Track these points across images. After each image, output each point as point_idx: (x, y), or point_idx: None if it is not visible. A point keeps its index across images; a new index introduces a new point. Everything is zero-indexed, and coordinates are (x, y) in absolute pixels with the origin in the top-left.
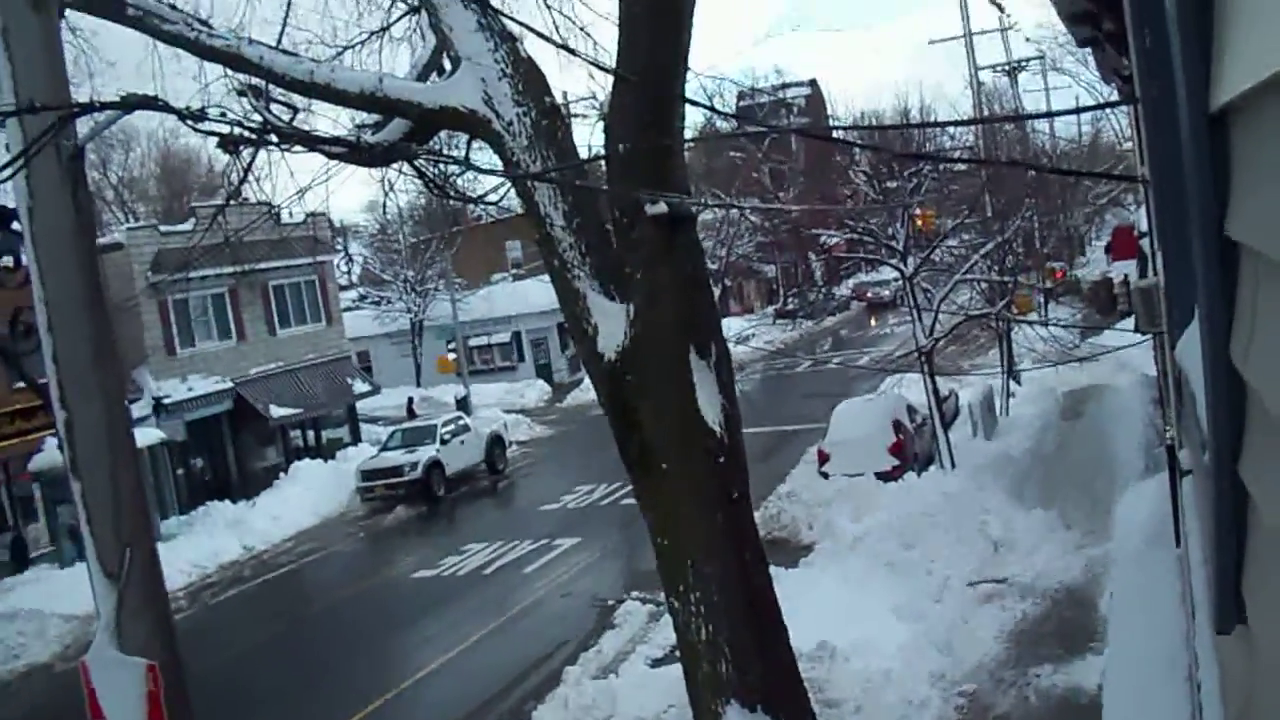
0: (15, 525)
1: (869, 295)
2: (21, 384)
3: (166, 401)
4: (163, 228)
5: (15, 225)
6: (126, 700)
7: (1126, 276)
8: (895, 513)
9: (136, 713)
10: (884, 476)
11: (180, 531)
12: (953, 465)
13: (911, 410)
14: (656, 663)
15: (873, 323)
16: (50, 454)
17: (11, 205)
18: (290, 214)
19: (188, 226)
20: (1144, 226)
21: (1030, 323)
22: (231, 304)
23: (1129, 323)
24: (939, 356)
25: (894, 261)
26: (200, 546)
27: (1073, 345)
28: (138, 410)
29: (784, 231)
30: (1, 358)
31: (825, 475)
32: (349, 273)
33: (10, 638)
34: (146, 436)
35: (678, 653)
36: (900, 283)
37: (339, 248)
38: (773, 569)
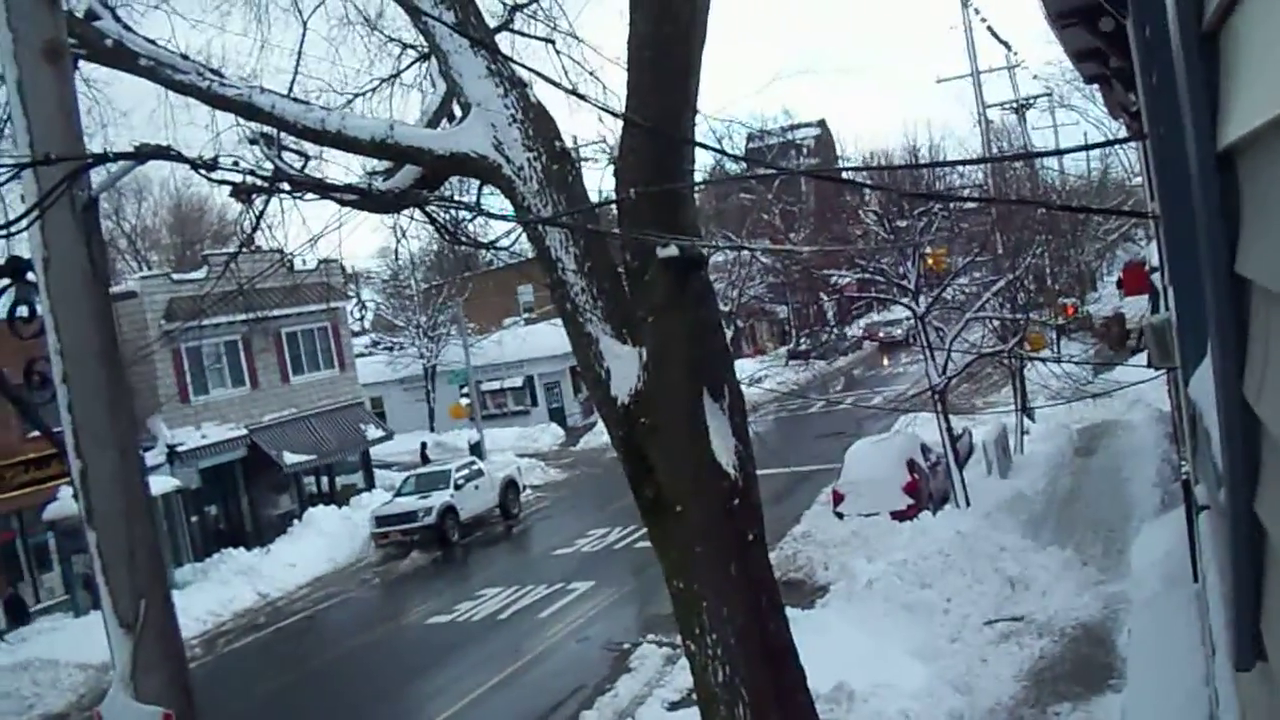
0: (11, 583)
1: (881, 335)
2: (35, 433)
3: (180, 449)
4: (175, 276)
5: (30, 276)
6: None
7: (1143, 315)
8: (911, 552)
9: None
10: (899, 516)
11: (195, 579)
12: (968, 504)
13: (925, 449)
14: (673, 706)
15: (885, 362)
16: (64, 503)
17: (26, 256)
18: (303, 261)
19: (200, 274)
20: (1155, 261)
21: (1043, 359)
22: (244, 351)
23: (1142, 358)
24: (952, 395)
25: (906, 300)
26: (215, 594)
27: (1086, 381)
28: (152, 458)
29: (795, 272)
30: (16, 407)
31: (840, 516)
32: (362, 319)
33: (25, 687)
34: (161, 484)
35: (695, 696)
36: (912, 322)
37: (351, 294)
38: (789, 610)
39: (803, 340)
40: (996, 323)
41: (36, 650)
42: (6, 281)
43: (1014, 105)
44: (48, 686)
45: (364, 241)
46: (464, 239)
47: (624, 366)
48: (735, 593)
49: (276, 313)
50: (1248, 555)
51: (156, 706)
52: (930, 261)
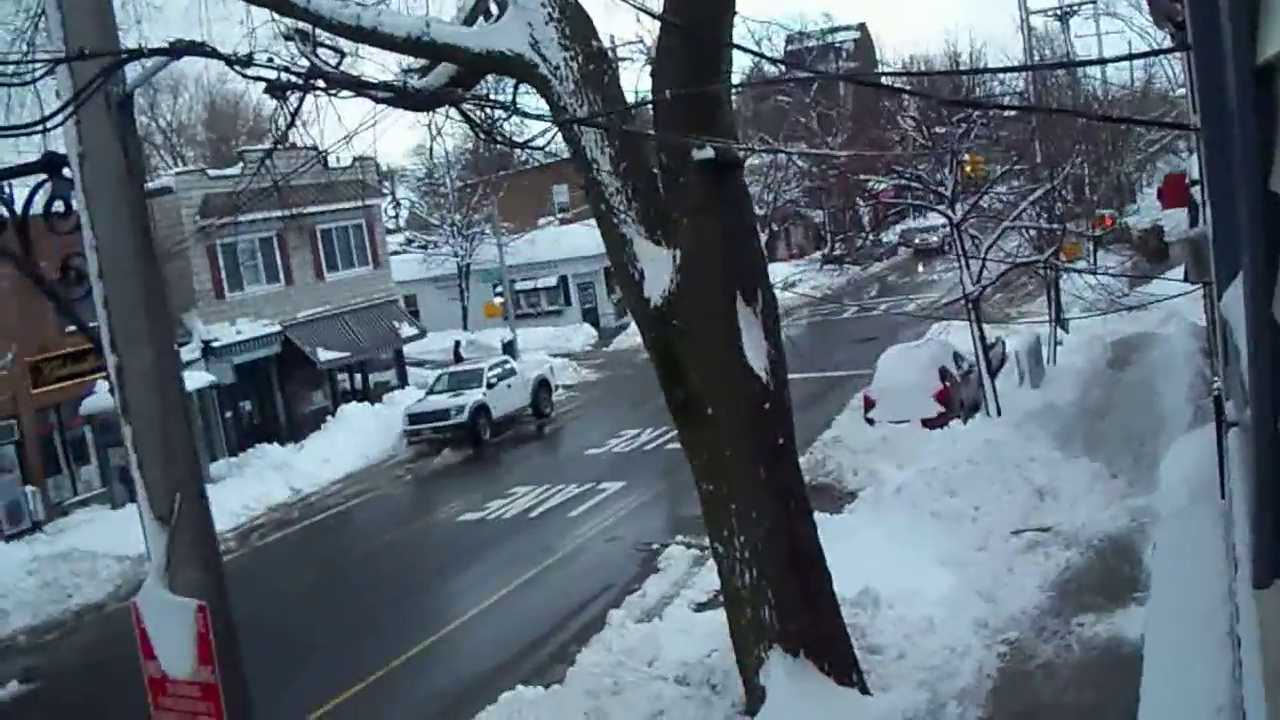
0: (68, 466)
1: (916, 242)
2: (72, 328)
3: (215, 345)
4: (211, 172)
5: (65, 171)
6: (176, 640)
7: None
8: (940, 460)
9: (186, 653)
10: (929, 424)
11: (229, 474)
12: (999, 413)
13: (958, 357)
14: (700, 607)
15: (920, 269)
16: (101, 397)
17: (62, 152)
18: (338, 159)
19: (235, 171)
20: (1195, 175)
21: (1079, 271)
22: (279, 248)
23: (1179, 271)
24: (986, 304)
25: (942, 208)
26: (249, 489)
27: (1121, 294)
28: (186, 354)
29: (831, 177)
30: (53, 302)
31: (870, 422)
32: (396, 217)
33: (64, 578)
34: (195, 380)
35: (721, 598)
36: (948, 229)
37: (386, 192)
38: (817, 515)
39: (837, 245)
40: (1033, 232)
41: (75, 541)
42: (43, 177)
43: (1058, 12)
44: (86, 577)
45: (399, 139)
46: (499, 138)
47: (657, 268)
48: (764, 496)
49: (311, 210)
50: (1270, 473)
51: (191, 598)
52: (968, 169)
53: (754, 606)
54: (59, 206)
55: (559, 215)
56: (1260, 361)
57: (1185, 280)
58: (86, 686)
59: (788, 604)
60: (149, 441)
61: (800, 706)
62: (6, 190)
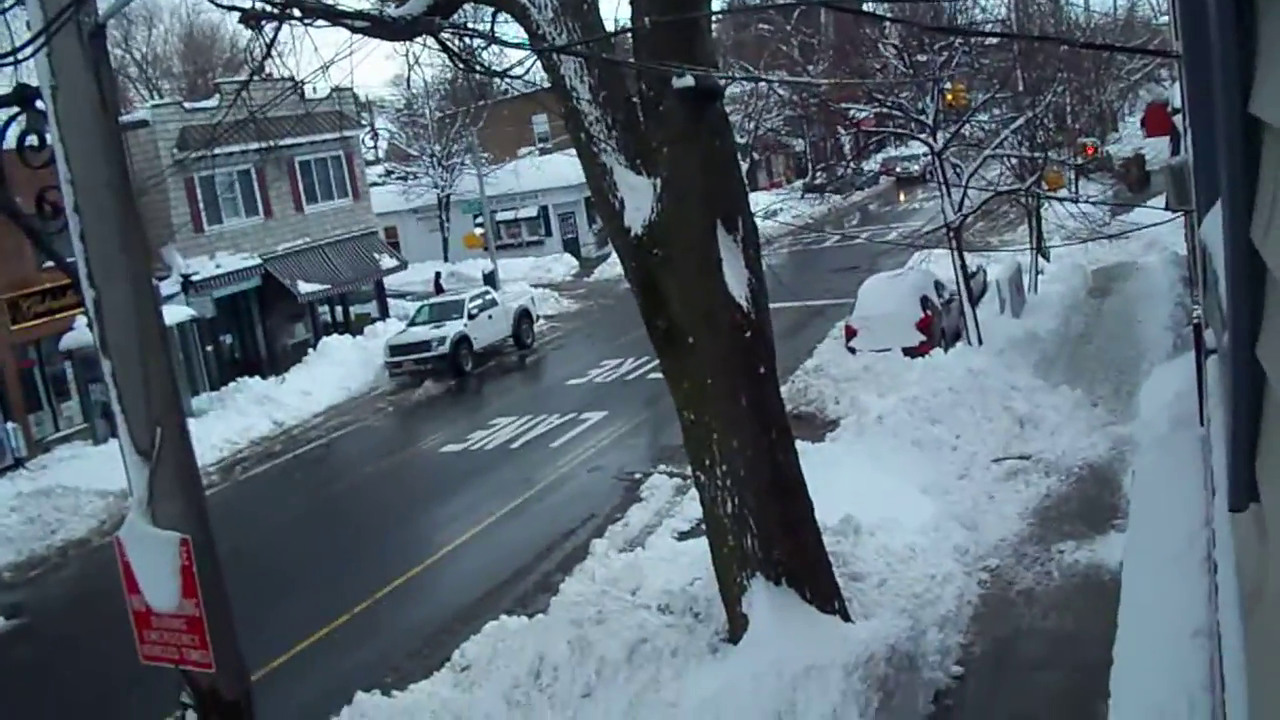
0: (50, 403)
1: (898, 170)
2: (50, 264)
3: (195, 279)
4: (187, 104)
5: (39, 104)
6: (160, 574)
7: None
8: (922, 389)
9: (170, 586)
10: (911, 352)
11: (211, 408)
12: (980, 342)
13: (939, 286)
14: (683, 536)
15: (901, 198)
16: (81, 333)
17: (35, 84)
18: (315, 90)
19: (212, 103)
20: (1177, 103)
21: (1060, 199)
22: (258, 181)
23: (1161, 200)
24: (968, 233)
25: (923, 136)
26: (231, 422)
27: (1103, 223)
28: (166, 288)
29: (813, 105)
30: (29, 237)
31: (852, 351)
32: (375, 148)
33: (47, 513)
34: (175, 314)
35: (704, 526)
36: (929, 158)
37: (365, 123)
38: (798, 444)
39: (819, 174)
40: (1014, 161)
41: (58, 477)
42: (15, 110)
43: None
44: (69, 513)
45: (377, 70)
46: (478, 67)
47: (638, 197)
48: (745, 425)
49: (289, 141)
50: (1246, 398)
51: (174, 532)
52: (949, 97)
53: (736, 534)
54: (33, 140)
55: (539, 145)
56: (1237, 287)
57: (1166, 209)
58: (72, 621)
59: (769, 532)
60: (129, 375)
61: (783, 633)
62: None
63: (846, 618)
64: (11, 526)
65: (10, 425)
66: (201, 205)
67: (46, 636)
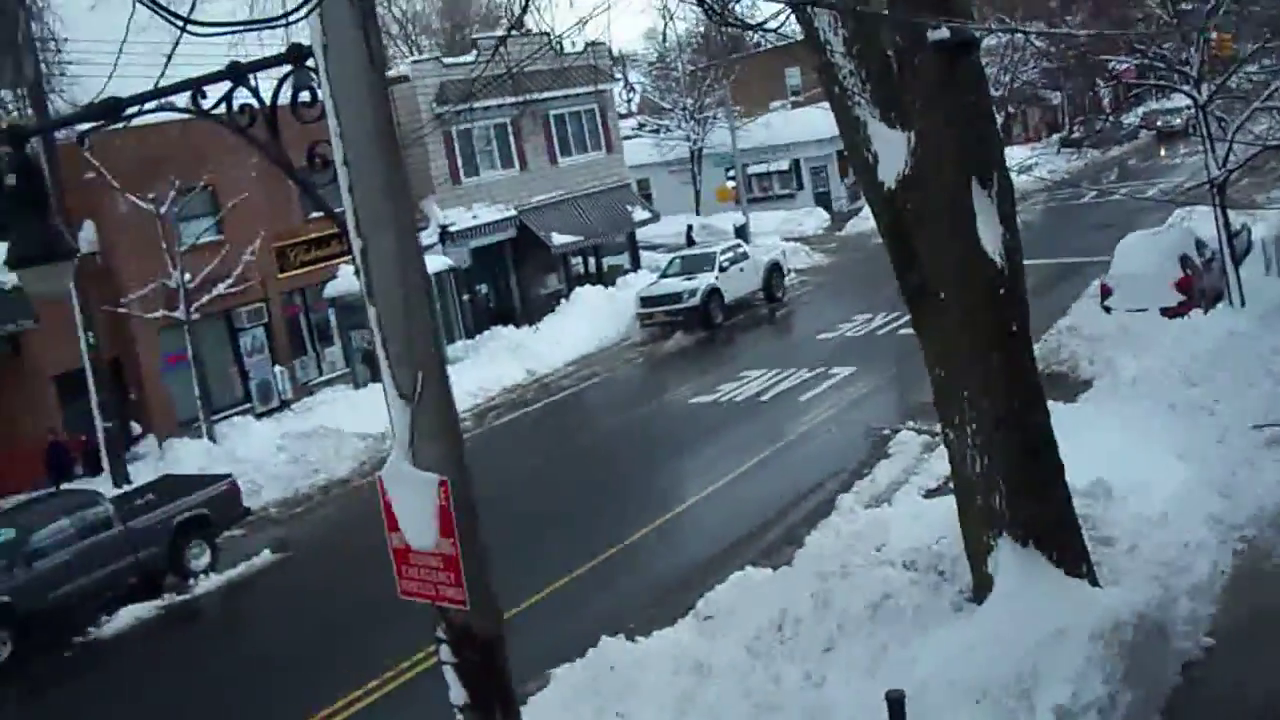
0: (313, 348)
1: (1159, 124)
2: (316, 215)
3: (452, 229)
4: (446, 60)
5: (310, 62)
6: (419, 513)
7: None
8: (1179, 351)
9: (428, 525)
10: (1169, 313)
11: (466, 355)
12: (1242, 303)
13: (1200, 245)
14: (930, 493)
15: (1162, 153)
16: (344, 281)
17: (306, 44)
18: (571, 44)
19: (470, 58)
20: None
21: None
22: (514, 134)
23: None
24: (1232, 189)
25: (1186, 89)
26: (484, 370)
27: None
28: (425, 238)
29: (1070, 57)
30: (300, 189)
31: (1108, 310)
32: (628, 102)
33: (311, 453)
34: (434, 264)
35: (951, 484)
36: (1192, 111)
37: (618, 77)
38: (1050, 404)
39: (1076, 128)
40: None
41: (321, 419)
42: (289, 68)
43: None
44: (331, 453)
45: (631, 24)
46: (731, 20)
47: (891, 151)
48: (997, 383)
49: (544, 95)
50: None
51: (433, 473)
52: (1215, 47)
53: (984, 494)
54: (304, 96)
55: (791, 98)
56: None
57: None
58: (333, 555)
59: (1018, 492)
60: (393, 321)
61: (1029, 595)
62: (252, 82)
63: (1094, 582)
64: (278, 465)
65: (278, 369)
66: (459, 158)
67: (310, 569)
